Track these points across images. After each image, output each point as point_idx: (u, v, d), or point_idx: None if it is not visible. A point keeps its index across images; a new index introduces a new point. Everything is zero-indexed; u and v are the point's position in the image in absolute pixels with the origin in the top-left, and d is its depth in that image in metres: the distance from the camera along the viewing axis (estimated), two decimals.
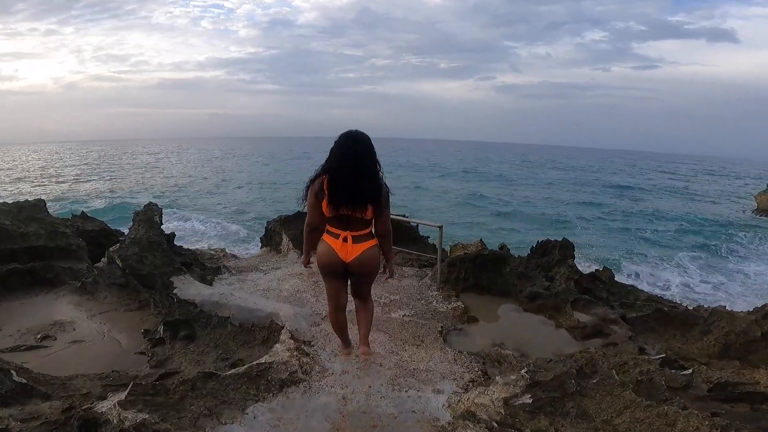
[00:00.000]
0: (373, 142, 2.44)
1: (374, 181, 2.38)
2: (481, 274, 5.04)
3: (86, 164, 51.97)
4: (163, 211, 5.26)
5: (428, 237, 7.48)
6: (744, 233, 18.71)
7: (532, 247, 7.59)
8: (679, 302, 6.37)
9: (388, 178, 2.63)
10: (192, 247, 11.02)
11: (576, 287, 5.23)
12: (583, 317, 4.51)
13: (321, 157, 2.64)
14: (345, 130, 2.42)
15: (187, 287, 3.69)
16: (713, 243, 16.85)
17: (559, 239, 7.36)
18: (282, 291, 5.17)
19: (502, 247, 8.46)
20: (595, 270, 6.51)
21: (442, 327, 4.01)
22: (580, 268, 5.81)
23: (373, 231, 2.57)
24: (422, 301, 4.88)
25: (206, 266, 5.43)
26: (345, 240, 2.42)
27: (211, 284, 5.21)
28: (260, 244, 7.59)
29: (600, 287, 5.59)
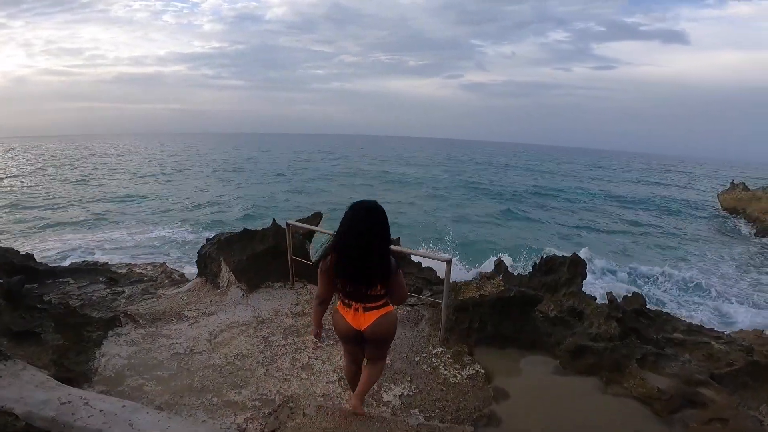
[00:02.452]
0: (386, 215, 2.20)
1: (384, 260, 2.19)
2: (502, 321, 3.56)
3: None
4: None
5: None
6: (703, 239, 18.17)
7: (535, 263, 6.27)
8: (722, 331, 5.20)
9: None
10: (130, 262, 8.91)
11: (619, 327, 3.87)
12: (659, 381, 3.12)
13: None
14: (357, 201, 2.21)
15: (5, 385, 1.94)
16: (674, 251, 16.02)
17: (569, 254, 6.13)
18: (213, 357, 3.44)
19: (499, 264, 7.08)
20: (624, 296, 5.24)
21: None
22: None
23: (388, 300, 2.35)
24: (424, 365, 3.31)
25: (92, 318, 3.62)
26: (357, 310, 2.28)
27: (99, 346, 3.43)
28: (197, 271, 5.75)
29: (645, 324, 4.28)
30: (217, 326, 3.99)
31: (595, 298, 5.66)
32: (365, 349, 2.45)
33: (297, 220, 6.67)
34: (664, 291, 11.39)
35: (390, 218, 2.19)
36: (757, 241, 17.20)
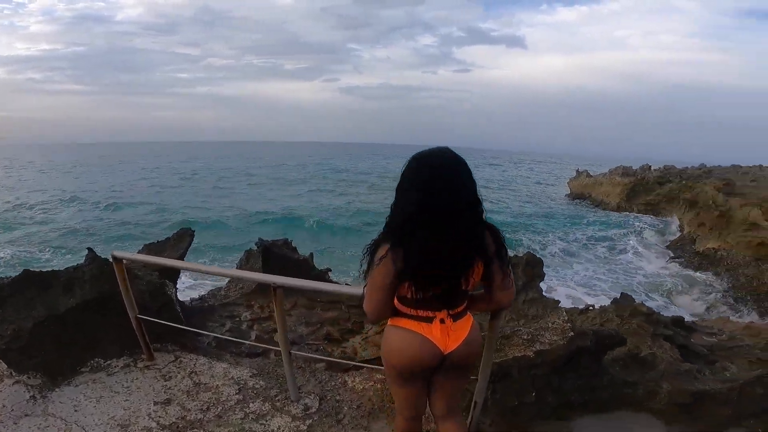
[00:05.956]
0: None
1: (478, 229, 1.33)
2: (568, 382, 2.03)
3: None
4: None
5: None
6: (554, 220, 19.58)
7: None
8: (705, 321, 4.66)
9: None
10: None
11: (679, 352, 2.75)
12: None
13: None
14: (419, 153, 1.35)
15: None
16: (528, 234, 16.52)
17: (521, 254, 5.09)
18: None
19: None
20: (614, 299, 4.26)
21: None
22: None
23: (488, 301, 1.47)
24: None
25: None
26: (442, 321, 1.39)
27: None
28: None
29: (687, 335, 3.32)
30: None
31: (559, 302, 4.68)
32: (438, 394, 1.53)
33: (146, 245, 4.07)
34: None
35: None
36: (601, 217, 18.86)
